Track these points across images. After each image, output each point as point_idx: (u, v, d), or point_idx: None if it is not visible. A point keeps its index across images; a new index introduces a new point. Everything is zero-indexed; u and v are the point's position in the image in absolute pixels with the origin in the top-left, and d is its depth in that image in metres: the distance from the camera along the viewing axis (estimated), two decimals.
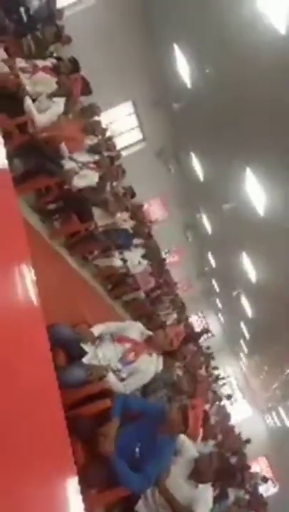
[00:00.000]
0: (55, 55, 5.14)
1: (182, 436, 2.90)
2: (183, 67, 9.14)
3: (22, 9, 5.29)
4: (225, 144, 8.68)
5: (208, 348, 16.48)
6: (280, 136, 6.08)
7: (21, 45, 4.91)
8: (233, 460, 7.81)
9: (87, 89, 5.22)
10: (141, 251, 7.17)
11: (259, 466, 20.48)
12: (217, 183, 11.08)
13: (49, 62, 4.32)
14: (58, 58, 4.80)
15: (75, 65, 4.78)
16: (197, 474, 2.90)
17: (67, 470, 1.40)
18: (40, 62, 4.09)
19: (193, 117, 10.01)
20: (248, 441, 12.35)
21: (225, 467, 4.11)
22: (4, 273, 1.51)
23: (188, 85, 9.27)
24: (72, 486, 1.37)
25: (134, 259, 6.65)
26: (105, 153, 5.66)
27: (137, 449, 2.48)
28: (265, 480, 11.71)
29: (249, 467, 10.14)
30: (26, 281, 1.57)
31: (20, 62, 3.93)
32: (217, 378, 17.48)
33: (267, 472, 19.38)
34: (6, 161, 1.84)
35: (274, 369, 16.79)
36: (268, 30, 4.92)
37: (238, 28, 5.76)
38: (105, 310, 6.26)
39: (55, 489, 1.31)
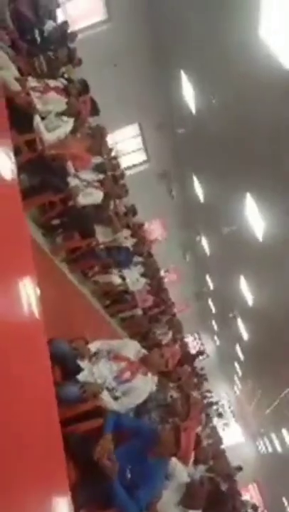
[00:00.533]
0: (66, 76, 5.26)
1: (174, 460, 2.87)
2: (189, 93, 9.36)
3: (36, 31, 5.46)
4: (227, 170, 8.83)
5: (201, 369, 16.34)
6: (281, 164, 6.20)
7: (33, 65, 5.04)
8: (224, 486, 7.64)
9: (95, 110, 5.36)
10: (140, 269, 7.21)
11: (249, 494, 20.04)
12: (217, 207, 11.21)
13: (60, 83, 4.45)
14: (69, 80, 4.93)
15: (84, 86, 4.92)
16: (188, 500, 2.87)
17: (61, 489, 1.40)
18: (51, 82, 4.20)
19: (197, 142, 10.21)
20: (239, 468, 12.08)
21: (215, 494, 4.04)
22: (8, 286, 1.54)
23: (194, 111, 9.48)
24: (65, 505, 1.36)
25: (133, 277, 6.68)
26: (109, 173, 5.75)
27: (128, 470, 2.45)
28: (255, 508, 11.44)
29: (240, 494, 9.92)
30: (30, 295, 1.60)
31: (32, 81, 4.04)
32: (210, 404, 17.20)
33: (257, 500, 18.97)
34: (16, 176, 1.90)
35: (267, 393, 16.60)
36: (273, 62, 5.08)
37: (244, 59, 5.94)
38: (103, 326, 6.24)
39: (49, 507, 1.31)
